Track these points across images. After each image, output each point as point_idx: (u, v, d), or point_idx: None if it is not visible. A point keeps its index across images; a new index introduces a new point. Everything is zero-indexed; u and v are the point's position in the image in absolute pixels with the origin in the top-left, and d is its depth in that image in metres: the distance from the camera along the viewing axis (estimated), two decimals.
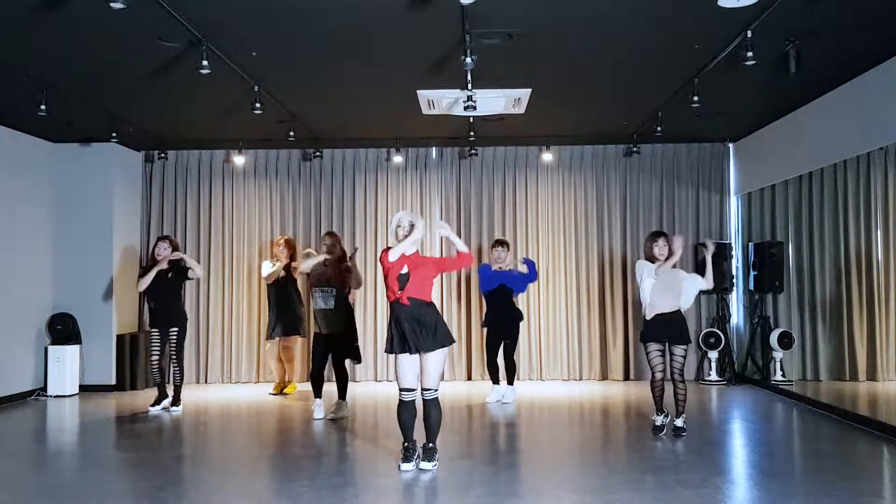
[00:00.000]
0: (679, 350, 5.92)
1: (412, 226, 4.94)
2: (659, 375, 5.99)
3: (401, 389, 4.92)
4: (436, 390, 4.92)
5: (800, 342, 8.54)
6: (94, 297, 8.60)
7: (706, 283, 6.02)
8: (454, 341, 5.11)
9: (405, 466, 4.87)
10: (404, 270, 4.88)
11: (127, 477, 4.98)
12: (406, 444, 4.95)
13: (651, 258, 5.99)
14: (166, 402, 7.28)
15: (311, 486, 4.53)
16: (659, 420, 6.06)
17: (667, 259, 5.90)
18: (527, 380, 9.14)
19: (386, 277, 4.96)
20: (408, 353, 4.87)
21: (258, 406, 7.65)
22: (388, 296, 5.03)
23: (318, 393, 6.85)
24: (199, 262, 9.20)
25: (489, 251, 7.90)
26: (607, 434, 6.11)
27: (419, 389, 4.96)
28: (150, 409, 7.20)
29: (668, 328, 5.91)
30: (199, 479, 4.90)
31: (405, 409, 4.91)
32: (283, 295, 8.24)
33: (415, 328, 4.84)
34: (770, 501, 4.17)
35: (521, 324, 7.79)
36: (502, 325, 7.55)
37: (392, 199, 9.38)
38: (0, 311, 7.72)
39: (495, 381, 7.68)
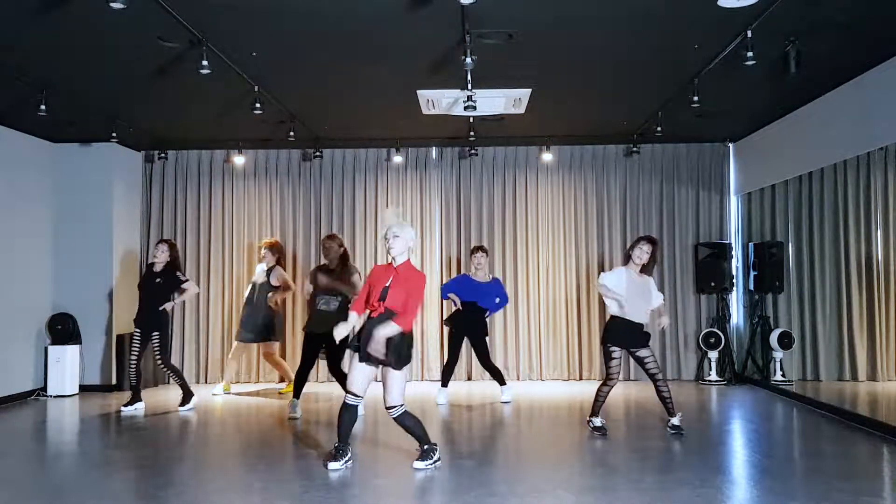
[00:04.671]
0: (644, 352, 5.92)
1: (395, 237, 4.88)
2: (613, 383, 6.00)
3: (348, 392, 4.92)
4: (400, 406, 4.87)
5: (800, 342, 8.54)
6: (94, 298, 8.61)
7: (658, 303, 6.08)
8: (402, 366, 4.86)
9: (332, 465, 4.87)
10: (388, 283, 4.86)
11: (127, 477, 4.98)
12: (337, 444, 4.96)
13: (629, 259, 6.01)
14: (140, 406, 7.28)
15: (310, 486, 4.53)
16: (597, 421, 6.06)
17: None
18: (527, 380, 9.15)
19: (371, 288, 4.93)
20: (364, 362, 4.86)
21: (258, 406, 7.66)
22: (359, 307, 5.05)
23: (296, 393, 6.89)
24: (198, 262, 9.28)
25: (469, 258, 7.79)
26: (607, 434, 6.09)
27: (364, 398, 5.01)
28: (123, 409, 7.22)
29: (630, 334, 5.92)
30: (199, 479, 4.89)
31: (346, 412, 4.92)
32: (255, 300, 8.20)
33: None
34: (770, 501, 4.17)
35: (485, 338, 7.62)
36: (465, 328, 7.48)
37: (392, 200, 9.38)
38: (0, 311, 7.73)
39: (444, 383, 7.63)
